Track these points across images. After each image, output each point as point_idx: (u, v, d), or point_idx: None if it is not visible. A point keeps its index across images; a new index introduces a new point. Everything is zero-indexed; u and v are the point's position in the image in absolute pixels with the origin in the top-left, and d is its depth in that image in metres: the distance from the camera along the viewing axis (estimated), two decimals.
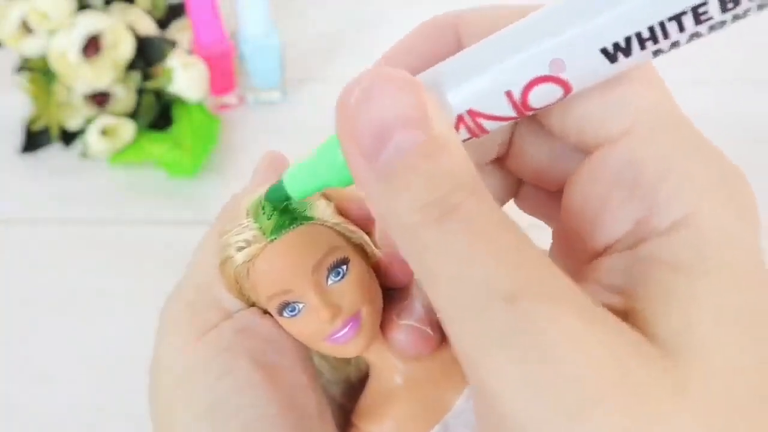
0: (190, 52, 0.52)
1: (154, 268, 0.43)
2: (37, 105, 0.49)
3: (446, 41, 0.17)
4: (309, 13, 0.64)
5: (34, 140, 0.51)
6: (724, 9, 0.12)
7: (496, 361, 0.13)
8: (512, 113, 0.15)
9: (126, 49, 0.47)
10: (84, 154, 0.50)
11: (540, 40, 0.14)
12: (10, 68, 0.49)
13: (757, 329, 0.13)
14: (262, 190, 0.20)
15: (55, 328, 0.40)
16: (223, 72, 0.53)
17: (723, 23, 0.12)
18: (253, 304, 0.22)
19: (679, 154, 0.14)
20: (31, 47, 0.46)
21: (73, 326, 0.40)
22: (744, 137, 0.51)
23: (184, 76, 0.48)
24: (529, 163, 0.18)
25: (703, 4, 0.12)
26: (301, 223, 0.20)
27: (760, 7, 0.12)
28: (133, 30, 0.48)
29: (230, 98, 0.54)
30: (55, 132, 0.49)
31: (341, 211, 0.21)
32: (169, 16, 0.55)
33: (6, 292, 0.42)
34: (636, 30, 0.13)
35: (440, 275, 0.13)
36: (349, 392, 0.23)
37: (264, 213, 0.20)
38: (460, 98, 0.15)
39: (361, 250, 0.21)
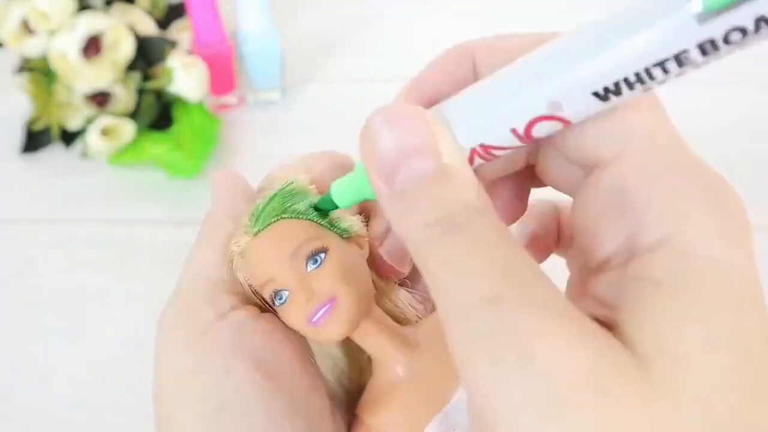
0: (190, 52, 0.52)
1: (154, 268, 0.43)
2: (37, 105, 0.49)
3: (465, 69, 0.19)
4: (309, 13, 0.64)
5: (34, 140, 0.51)
6: (704, 54, 0.13)
7: (478, 361, 0.14)
8: (518, 143, 0.16)
9: (126, 49, 0.47)
10: (84, 154, 0.50)
11: (538, 83, 0.15)
12: (10, 68, 0.50)
13: (734, 349, 0.13)
14: (266, 196, 0.22)
15: (55, 328, 0.40)
16: (223, 72, 0.53)
17: (708, 62, 0.13)
18: (261, 301, 0.22)
19: (666, 176, 0.15)
20: (31, 47, 0.46)
21: (73, 326, 0.40)
22: (749, 139, 0.51)
23: (184, 76, 0.48)
24: (551, 173, 0.20)
25: (684, 52, 0.13)
26: (280, 218, 0.22)
27: (741, 47, 0.13)
28: (133, 30, 0.48)
29: (230, 98, 0.54)
30: (55, 132, 0.50)
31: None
32: (169, 16, 0.55)
33: (6, 292, 0.42)
34: (623, 76, 0.14)
35: (439, 284, 0.15)
36: (358, 392, 0.24)
37: (253, 215, 0.22)
38: (470, 134, 0.17)
39: (348, 240, 0.22)
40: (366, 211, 0.25)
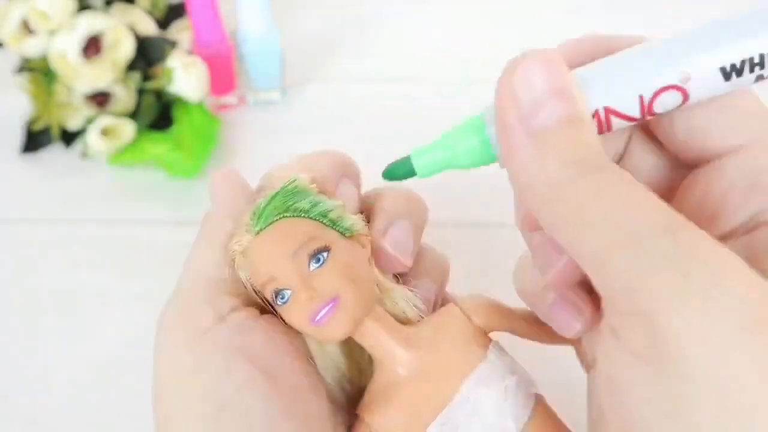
0: (190, 52, 0.52)
1: (154, 268, 0.43)
2: (37, 105, 0.49)
3: (599, 54, 0.19)
4: (309, 13, 0.64)
5: (34, 140, 0.51)
6: None
7: (662, 285, 0.14)
8: (638, 115, 0.17)
9: (126, 49, 0.47)
10: (84, 154, 0.50)
11: (673, 55, 0.17)
12: (10, 68, 0.50)
13: None
14: (268, 194, 0.22)
15: (55, 328, 0.40)
16: (223, 72, 0.53)
17: None
18: (263, 301, 0.22)
19: None
20: (31, 48, 0.46)
21: (73, 326, 0.40)
22: None
23: (184, 76, 0.48)
24: (636, 175, 0.21)
25: None
26: (282, 217, 0.21)
27: None
28: (133, 30, 0.48)
29: (230, 98, 0.54)
30: (55, 132, 0.50)
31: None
32: (169, 16, 0.55)
33: (6, 292, 0.42)
34: (750, 55, 0.16)
35: (592, 221, 0.15)
36: (358, 394, 0.24)
37: (255, 214, 0.22)
38: (600, 94, 0.18)
39: (350, 239, 0.22)
40: (366, 210, 0.25)
